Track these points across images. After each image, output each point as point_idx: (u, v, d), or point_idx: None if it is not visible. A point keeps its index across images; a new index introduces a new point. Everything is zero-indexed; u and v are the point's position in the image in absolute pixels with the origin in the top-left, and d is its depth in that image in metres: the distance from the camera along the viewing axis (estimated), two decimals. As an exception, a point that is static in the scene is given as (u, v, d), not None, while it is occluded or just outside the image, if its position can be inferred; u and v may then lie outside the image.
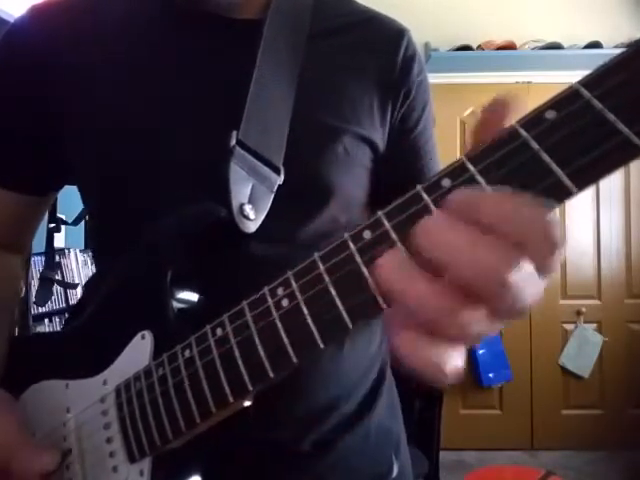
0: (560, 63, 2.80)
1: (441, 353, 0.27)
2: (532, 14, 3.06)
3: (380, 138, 0.59)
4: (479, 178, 0.27)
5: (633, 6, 2.99)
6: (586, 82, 0.26)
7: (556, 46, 2.89)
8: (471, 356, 2.90)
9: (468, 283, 0.25)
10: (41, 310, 2.00)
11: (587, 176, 0.25)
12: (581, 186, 0.25)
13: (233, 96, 0.52)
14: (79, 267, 2.25)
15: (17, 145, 0.59)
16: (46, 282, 1.09)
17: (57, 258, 2.05)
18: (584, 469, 2.72)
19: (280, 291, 0.34)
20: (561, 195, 0.26)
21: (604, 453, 2.82)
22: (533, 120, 0.27)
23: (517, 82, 3.02)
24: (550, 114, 0.26)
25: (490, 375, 2.88)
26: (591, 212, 3.02)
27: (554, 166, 0.26)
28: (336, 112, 0.55)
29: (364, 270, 0.30)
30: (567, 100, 0.26)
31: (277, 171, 0.51)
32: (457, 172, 0.28)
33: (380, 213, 0.30)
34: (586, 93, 0.26)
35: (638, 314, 2.99)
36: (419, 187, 0.29)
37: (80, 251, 2.27)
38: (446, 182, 0.28)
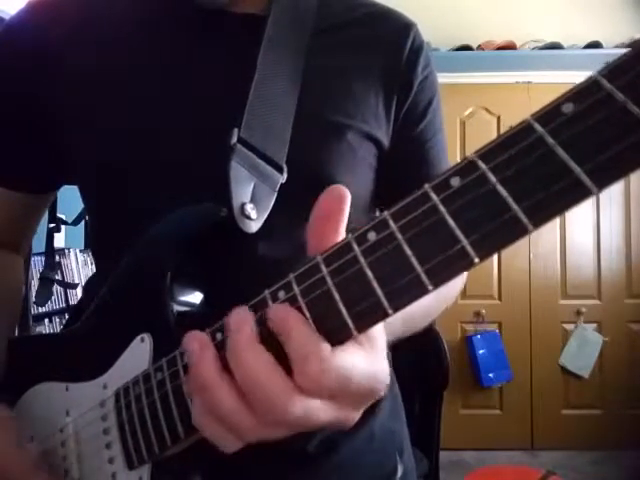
0: (560, 63, 2.80)
1: (221, 432, 0.33)
2: (532, 14, 3.05)
3: (385, 135, 0.58)
4: (490, 176, 0.26)
5: (633, 6, 2.99)
6: (607, 72, 0.24)
7: (556, 46, 2.89)
8: (471, 356, 2.91)
9: None
10: (41, 310, 1.99)
11: (608, 174, 0.23)
12: (602, 185, 0.23)
13: (235, 93, 0.51)
14: (79, 267, 2.25)
15: (16, 143, 0.58)
16: (46, 282, 1.08)
17: (57, 258, 2.05)
18: (584, 469, 2.71)
19: (281, 294, 0.33)
20: (580, 195, 0.24)
21: (604, 453, 2.82)
22: (549, 114, 0.25)
23: (517, 82, 3.02)
24: (567, 107, 0.24)
25: (490, 375, 2.88)
26: (591, 212, 3.02)
27: (572, 163, 0.24)
28: (341, 109, 0.55)
29: (369, 273, 0.29)
30: (586, 92, 0.24)
31: (280, 170, 0.50)
32: (467, 170, 0.27)
33: (386, 213, 0.29)
34: (607, 84, 0.24)
35: (638, 314, 2.98)
36: (427, 186, 0.28)
37: (80, 251, 2.27)
38: (455, 181, 0.27)
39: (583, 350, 2.96)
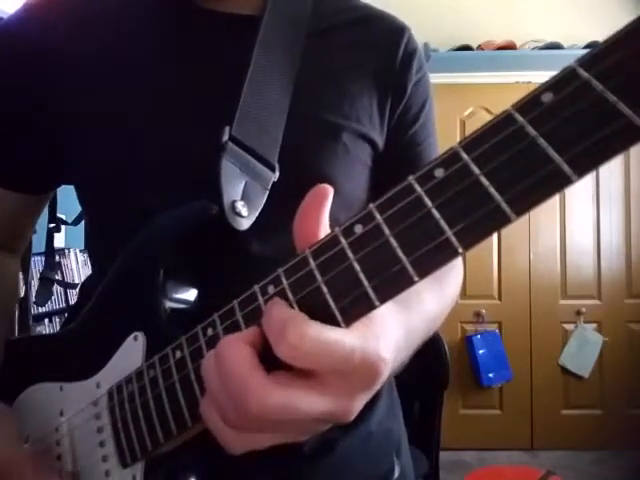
0: (560, 63, 2.76)
1: (222, 427, 0.32)
2: (532, 14, 3.05)
3: (379, 136, 0.58)
4: (473, 167, 0.26)
5: (633, 6, 2.99)
6: (584, 61, 0.25)
7: (556, 46, 2.89)
8: (471, 356, 2.91)
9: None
10: (41, 310, 1.99)
11: (587, 162, 0.24)
12: (581, 173, 0.24)
13: (229, 93, 0.51)
14: (79, 267, 2.25)
15: (15, 143, 0.58)
16: (46, 282, 1.08)
17: (57, 258, 2.05)
18: (584, 469, 2.71)
19: (271, 289, 0.33)
20: (560, 183, 0.24)
21: (604, 453, 2.82)
22: (529, 103, 0.26)
23: (517, 82, 3.01)
24: (547, 97, 0.25)
25: (490, 375, 2.88)
26: (591, 212, 3.02)
27: (552, 152, 0.24)
28: (335, 109, 0.55)
29: (356, 266, 0.29)
30: (564, 81, 0.25)
31: (272, 168, 0.51)
32: (450, 161, 0.27)
33: (371, 206, 0.30)
34: (584, 73, 0.24)
35: (638, 314, 2.98)
36: (411, 178, 0.28)
37: (80, 251, 2.27)
38: (439, 172, 0.28)
39: (583, 350, 2.95)
